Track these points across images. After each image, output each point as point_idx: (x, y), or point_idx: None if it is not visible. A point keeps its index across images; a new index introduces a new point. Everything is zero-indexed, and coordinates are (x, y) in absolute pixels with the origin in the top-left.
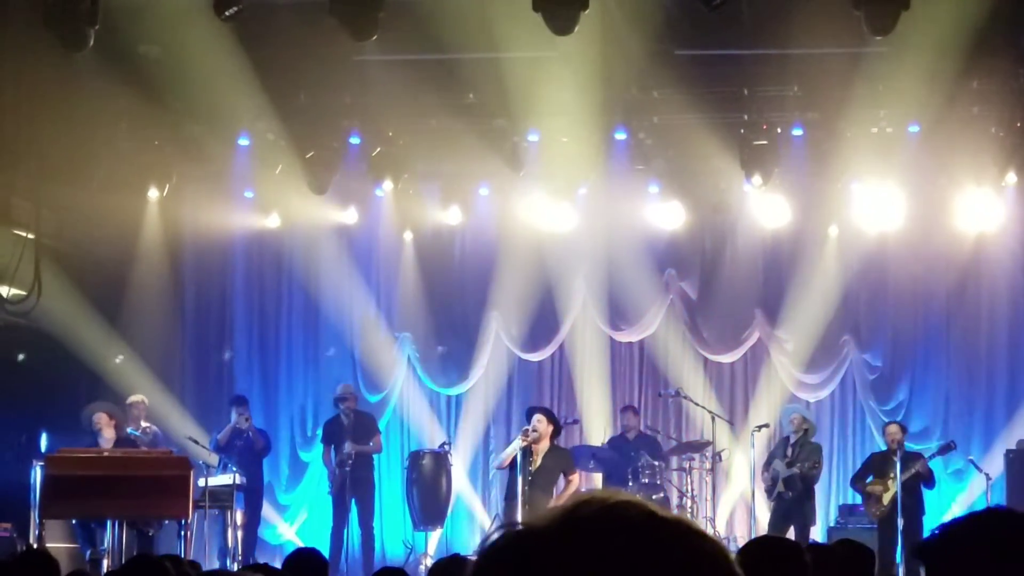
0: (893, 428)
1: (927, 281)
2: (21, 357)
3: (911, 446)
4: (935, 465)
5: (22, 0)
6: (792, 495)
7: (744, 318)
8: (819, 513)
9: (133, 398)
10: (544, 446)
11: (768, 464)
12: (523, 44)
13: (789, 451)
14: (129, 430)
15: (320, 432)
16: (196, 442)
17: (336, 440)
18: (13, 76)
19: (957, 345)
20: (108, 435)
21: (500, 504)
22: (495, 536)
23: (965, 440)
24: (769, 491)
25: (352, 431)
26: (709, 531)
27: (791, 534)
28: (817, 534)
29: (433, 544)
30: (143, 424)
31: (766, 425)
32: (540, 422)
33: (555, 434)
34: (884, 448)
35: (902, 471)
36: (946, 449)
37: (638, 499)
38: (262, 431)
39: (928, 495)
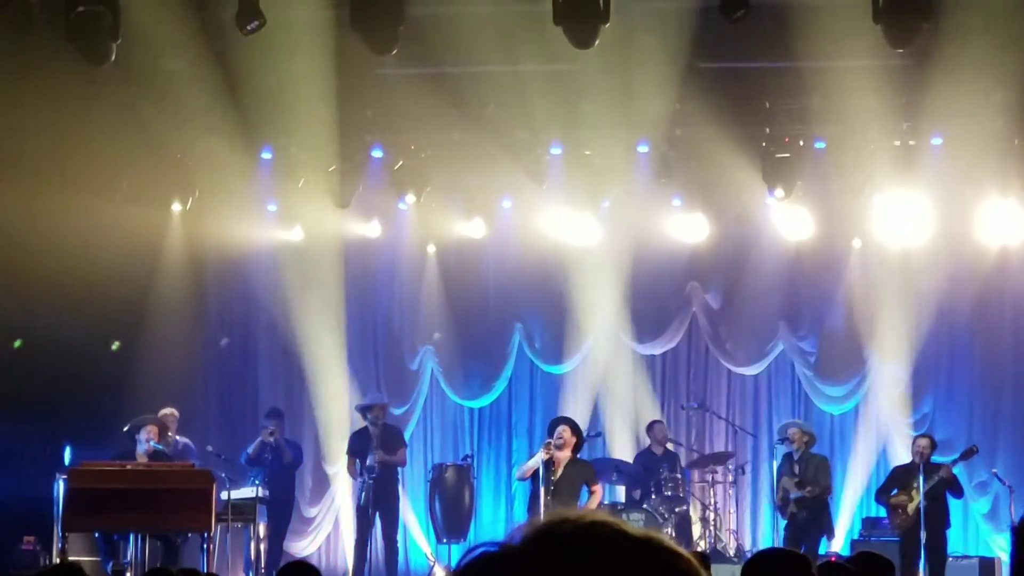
0: (923, 441)
1: (951, 293)
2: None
3: (936, 459)
4: (959, 474)
5: (45, 15)
6: (805, 515)
7: (767, 330)
8: (843, 526)
9: (165, 411)
10: (566, 456)
11: (778, 481)
12: (545, 57)
13: (796, 468)
14: (152, 443)
15: (347, 443)
16: (219, 455)
17: (363, 451)
18: (36, 90)
19: (982, 357)
20: (151, 449)
21: (524, 516)
22: (472, 556)
23: (990, 453)
24: (781, 509)
25: (380, 442)
26: (732, 544)
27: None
28: (840, 547)
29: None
30: (168, 434)
31: (789, 438)
32: (565, 431)
33: (578, 446)
34: (909, 460)
35: (926, 481)
36: (969, 454)
37: (611, 519)
38: (293, 443)
39: (952, 508)
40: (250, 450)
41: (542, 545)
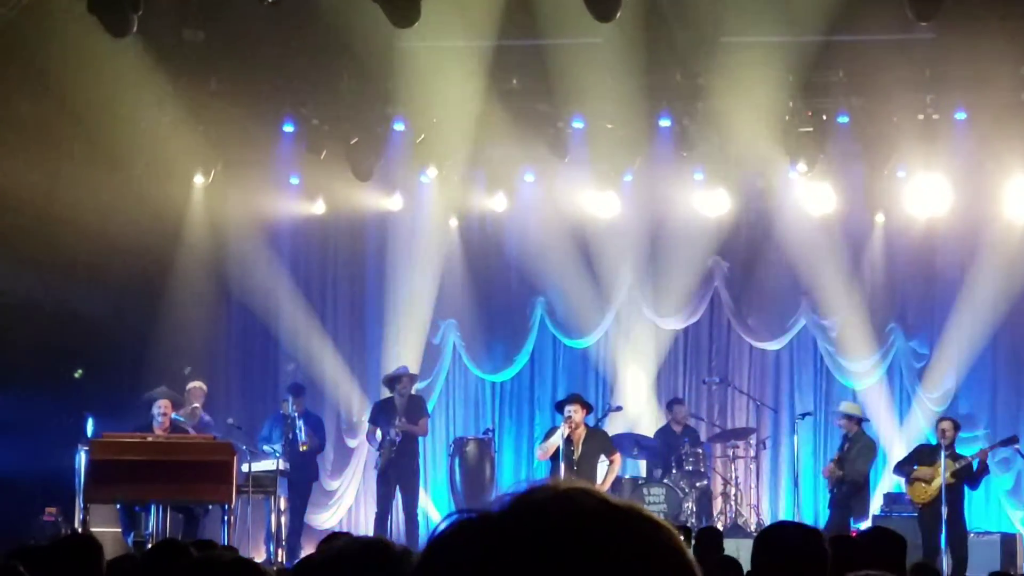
0: (946, 424)
1: (975, 268)
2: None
3: (964, 439)
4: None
5: None
6: (839, 492)
7: (789, 305)
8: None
9: (192, 384)
10: (582, 432)
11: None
12: (567, 30)
13: (846, 446)
14: (173, 415)
15: (369, 412)
16: (240, 428)
17: (385, 421)
18: (58, 62)
19: (1005, 333)
20: (166, 423)
21: None
22: (448, 522)
23: (1012, 428)
24: (829, 480)
25: (403, 413)
26: (753, 519)
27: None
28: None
29: None
30: (195, 406)
31: (810, 413)
32: (576, 411)
33: (587, 414)
34: (934, 442)
35: (944, 468)
36: (1009, 442)
37: (592, 487)
38: (315, 417)
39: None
40: (265, 432)
41: (521, 512)
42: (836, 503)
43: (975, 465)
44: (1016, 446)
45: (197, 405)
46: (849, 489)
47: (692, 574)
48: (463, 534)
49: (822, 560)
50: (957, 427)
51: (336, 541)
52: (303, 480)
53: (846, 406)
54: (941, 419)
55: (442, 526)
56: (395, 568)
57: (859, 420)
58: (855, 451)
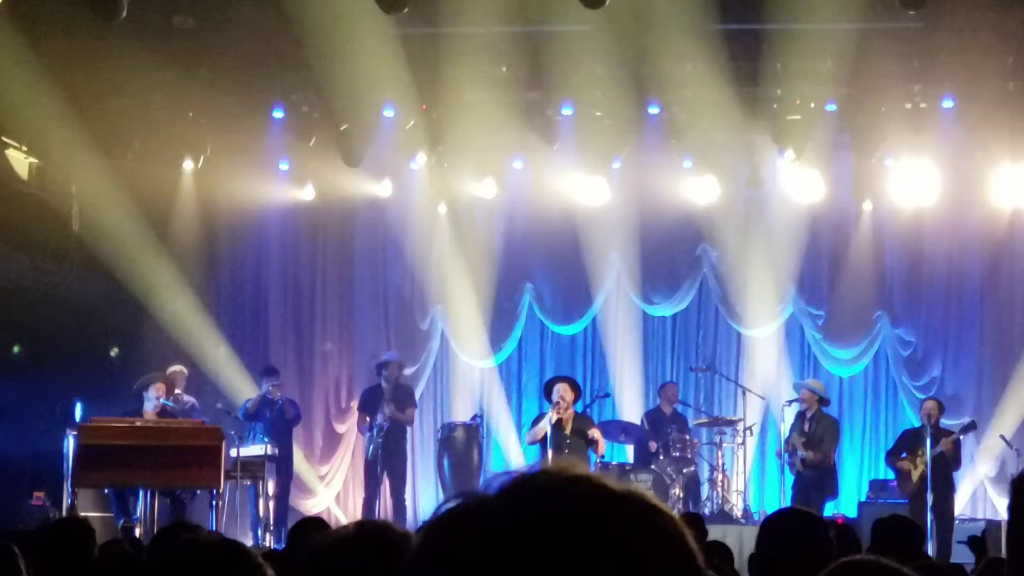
0: (930, 404)
1: (961, 257)
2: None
3: (945, 423)
4: (966, 443)
5: None
6: (810, 474)
7: (777, 293)
8: (850, 488)
9: (173, 368)
10: (571, 415)
11: (788, 438)
12: (557, 17)
13: (806, 426)
14: (161, 399)
15: (357, 401)
16: (229, 412)
17: (374, 408)
18: (48, 47)
19: (991, 321)
20: (157, 406)
21: None
22: (447, 507)
23: (998, 416)
24: (790, 465)
25: (391, 399)
26: (739, 505)
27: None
28: (847, 509)
29: None
30: (176, 392)
31: (797, 400)
32: (566, 391)
33: (576, 399)
34: (918, 424)
35: (932, 448)
36: (968, 428)
37: (593, 473)
38: (292, 401)
39: (958, 471)
40: (249, 405)
41: (518, 497)
42: (808, 485)
43: (949, 453)
44: (1001, 433)
45: (178, 391)
46: (824, 469)
47: (692, 560)
48: (461, 519)
49: (828, 549)
50: (941, 408)
51: (315, 531)
52: (283, 459)
53: (812, 382)
54: (925, 400)
55: (439, 511)
56: (397, 552)
57: (820, 399)
58: (821, 430)
